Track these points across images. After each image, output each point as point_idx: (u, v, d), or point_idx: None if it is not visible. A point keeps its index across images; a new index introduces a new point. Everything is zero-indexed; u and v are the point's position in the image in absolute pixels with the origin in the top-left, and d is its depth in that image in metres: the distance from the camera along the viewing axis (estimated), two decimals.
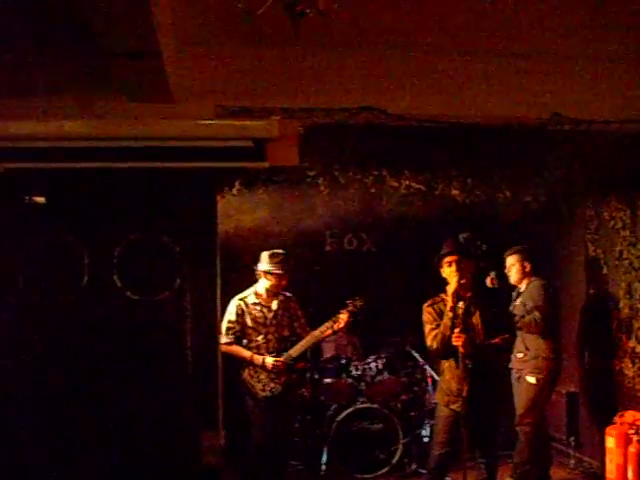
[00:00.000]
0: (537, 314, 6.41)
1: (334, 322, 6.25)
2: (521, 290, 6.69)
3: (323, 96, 5.22)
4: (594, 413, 7.16)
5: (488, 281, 6.50)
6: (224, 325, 6.02)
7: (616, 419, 6.37)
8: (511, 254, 6.76)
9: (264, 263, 6.14)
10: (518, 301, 6.61)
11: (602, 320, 7.09)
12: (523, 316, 6.44)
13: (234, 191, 5.85)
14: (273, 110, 5.12)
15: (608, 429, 6.33)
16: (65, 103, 4.80)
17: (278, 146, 4.84)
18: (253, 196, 6.18)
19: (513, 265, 6.72)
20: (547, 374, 6.48)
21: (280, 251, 6.18)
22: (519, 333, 6.36)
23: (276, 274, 6.11)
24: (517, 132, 5.61)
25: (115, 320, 4.93)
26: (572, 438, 7.45)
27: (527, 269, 6.69)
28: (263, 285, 6.19)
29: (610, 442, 6.25)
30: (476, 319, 5.32)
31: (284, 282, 6.19)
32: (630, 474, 6.03)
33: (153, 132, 4.78)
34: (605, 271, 7.06)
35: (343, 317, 6.26)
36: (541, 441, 6.58)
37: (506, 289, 6.72)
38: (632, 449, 6.05)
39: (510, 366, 6.62)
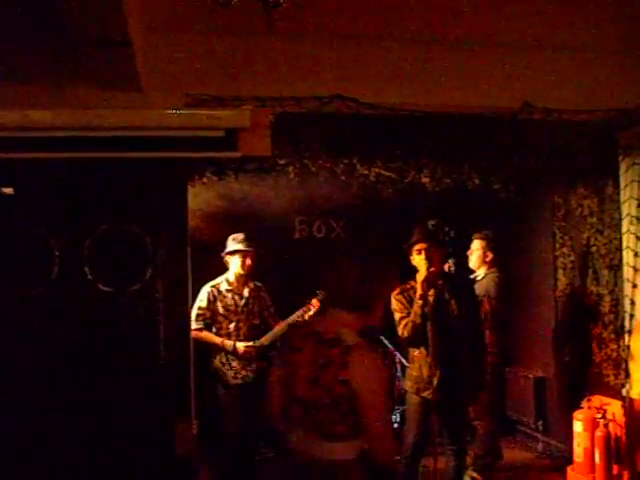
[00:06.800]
0: (486, 307, 6.38)
1: (305, 311, 6.27)
2: (478, 278, 6.69)
3: (294, 85, 5.19)
4: (562, 397, 7.24)
5: (446, 267, 6.39)
6: (194, 311, 5.99)
7: (584, 403, 6.45)
8: (476, 238, 6.75)
9: (230, 245, 6.14)
10: None
11: (571, 307, 7.16)
12: None
13: (204, 179, 5.80)
14: (244, 99, 5.08)
15: (576, 413, 6.41)
16: (33, 92, 4.72)
17: (250, 136, 4.81)
18: (223, 184, 6.14)
19: (476, 250, 6.72)
20: (492, 368, 6.24)
21: (241, 233, 6.19)
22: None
23: (242, 251, 6.12)
24: (488, 121, 5.63)
25: (87, 312, 4.88)
26: (540, 422, 7.55)
27: (488, 258, 6.68)
28: (234, 272, 6.18)
29: (578, 426, 6.33)
30: (452, 306, 5.31)
31: (250, 261, 6.16)
32: (597, 458, 6.11)
33: (123, 121, 4.72)
34: (573, 258, 7.12)
35: (314, 306, 6.27)
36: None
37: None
38: (599, 433, 6.14)
39: None
